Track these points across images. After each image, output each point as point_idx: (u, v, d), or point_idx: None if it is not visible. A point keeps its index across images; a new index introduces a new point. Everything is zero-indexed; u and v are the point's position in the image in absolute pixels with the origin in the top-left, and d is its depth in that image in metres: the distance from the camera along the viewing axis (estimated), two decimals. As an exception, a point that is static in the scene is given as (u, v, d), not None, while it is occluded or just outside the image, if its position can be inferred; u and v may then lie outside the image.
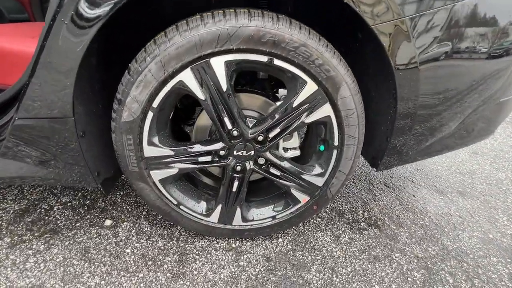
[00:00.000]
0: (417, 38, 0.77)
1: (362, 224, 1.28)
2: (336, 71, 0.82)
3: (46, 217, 1.23)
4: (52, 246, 1.09)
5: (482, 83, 0.91)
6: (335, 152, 0.96)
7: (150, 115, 0.83)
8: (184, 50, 0.74)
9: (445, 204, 1.44)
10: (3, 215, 1.23)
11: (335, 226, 1.26)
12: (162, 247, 1.11)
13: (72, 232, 1.16)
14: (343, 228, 1.25)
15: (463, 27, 0.80)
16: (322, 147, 0.99)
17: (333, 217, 1.31)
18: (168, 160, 0.92)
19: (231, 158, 0.96)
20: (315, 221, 1.28)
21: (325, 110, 0.88)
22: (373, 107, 1.02)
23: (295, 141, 1.04)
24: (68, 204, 1.31)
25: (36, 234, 1.14)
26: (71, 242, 1.11)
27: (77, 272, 1.00)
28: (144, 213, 1.27)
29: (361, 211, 1.36)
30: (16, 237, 1.12)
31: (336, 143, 0.94)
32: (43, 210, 1.26)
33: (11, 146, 0.87)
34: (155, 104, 0.82)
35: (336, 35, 1.00)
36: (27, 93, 0.77)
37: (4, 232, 1.14)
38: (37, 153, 0.89)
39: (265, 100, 1.01)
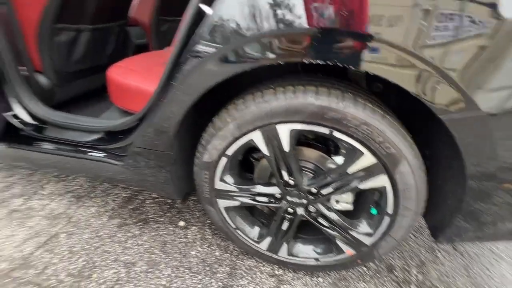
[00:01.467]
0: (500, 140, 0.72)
1: (412, 287, 1.22)
2: (397, 149, 0.83)
3: (141, 208, 1.61)
4: (143, 234, 1.45)
5: None
6: (387, 218, 0.96)
7: (223, 159, 1.02)
8: (258, 117, 0.89)
9: (528, 291, 1.22)
10: (116, 199, 1.67)
11: (380, 281, 1.24)
12: (219, 257, 1.33)
13: (157, 225, 1.50)
14: (389, 286, 1.22)
15: None
16: (374, 211, 1.01)
17: (381, 270, 1.29)
18: (233, 194, 1.11)
19: (284, 201, 1.08)
20: (360, 269, 1.29)
21: (381, 181, 0.90)
22: (440, 178, 0.97)
23: (348, 196, 1.08)
24: (156, 200, 1.67)
25: (134, 220, 1.53)
26: (155, 233, 1.45)
27: (157, 260, 1.31)
28: (208, 221, 1.53)
29: (415, 272, 1.29)
30: (122, 220, 1.53)
31: (390, 211, 0.95)
32: (139, 201, 1.66)
33: (130, 162, 1.21)
34: (229, 152, 1.00)
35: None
36: (138, 130, 1.07)
37: (116, 214, 1.56)
38: (145, 169, 1.20)
39: (321, 154, 1.08)
